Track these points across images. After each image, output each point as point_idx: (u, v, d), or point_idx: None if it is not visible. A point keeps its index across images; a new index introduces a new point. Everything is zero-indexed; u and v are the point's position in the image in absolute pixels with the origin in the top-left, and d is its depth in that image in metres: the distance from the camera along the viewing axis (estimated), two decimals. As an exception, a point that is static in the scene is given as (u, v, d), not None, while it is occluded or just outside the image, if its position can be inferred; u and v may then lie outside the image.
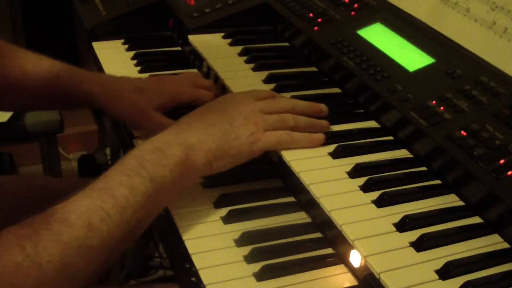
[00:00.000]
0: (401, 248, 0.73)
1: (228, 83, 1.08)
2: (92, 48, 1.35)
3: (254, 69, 1.14)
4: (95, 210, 0.69)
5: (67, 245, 0.65)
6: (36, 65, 1.07)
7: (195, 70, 1.27)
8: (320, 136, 0.90)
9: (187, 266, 0.77)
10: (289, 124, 0.88)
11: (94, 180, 0.73)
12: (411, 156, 0.90)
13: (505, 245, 0.75)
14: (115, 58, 1.30)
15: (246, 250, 0.79)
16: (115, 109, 1.04)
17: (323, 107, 0.95)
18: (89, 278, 0.69)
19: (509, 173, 0.77)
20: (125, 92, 1.03)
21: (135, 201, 0.72)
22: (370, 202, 0.80)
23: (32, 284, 0.61)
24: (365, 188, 0.82)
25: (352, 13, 1.18)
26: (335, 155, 0.88)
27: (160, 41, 1.40)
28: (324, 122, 0.93)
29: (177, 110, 1.05)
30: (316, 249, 0.81)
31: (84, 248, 0.67)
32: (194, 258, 0.77)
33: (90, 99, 1.05)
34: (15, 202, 1.12)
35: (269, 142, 0.86)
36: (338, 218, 0.77)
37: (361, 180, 0.83)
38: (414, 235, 0.74)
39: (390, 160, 0.89)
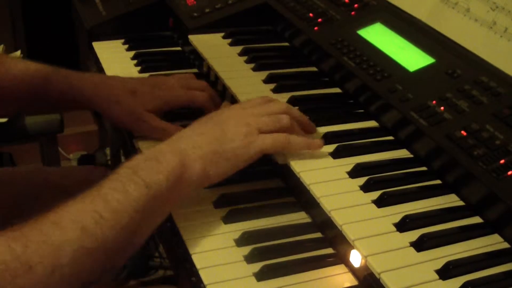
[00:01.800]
0: (401, 248, 0.73)
1: (228, 83, 1.08)
2: (92, 48, 1.35)
3: (254, 69, 1.14)
4: (88, 213, 0.68)
5: (58, 248, 0.64)
6: (24, 71, 1.05)
7: (195, 70, 1.27)
8: (319, 142, 0.89)
9: (187, 266, 0.77)
10: (283, 123, 0.86)
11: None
12: (411, 156, 0.90)
13: (505, 245, 0.75)
14: (115, 58, 1.30)
15: (246, 250, 0.79)
16: (108, 111, 1.03)
17: (313, 125, 0.94)
18: (84, 282, 0.68)
19: (509, 173, 0.77)
20: (118, 94, 1.02)
21: (129, 205, 0.71)
22: (370, 202, 0.80)
23: (23, 285, 0.60)
24: (365, 188, 0.82)
25: (352, 13, 1.18)
26: (335, 155, 0.88)
27: (160, 41, 1.40)
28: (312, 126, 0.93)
29: (172, 112, 1.05)
30: (316, 249, 0.81)
31: (78, 251, 0.65)
32: (194, 258, 0.77)
33: (82, 102, 1.04)
34: (15, 194, 1.12)
35: (264, 144, 0.83)
36: (338, 218, 0.77)
37: (361, 180, 0.83)
38: (414, 235, 0.74)
39: (390, 160, 0.89)
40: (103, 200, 0.70)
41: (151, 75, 1.19)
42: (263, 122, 0.85)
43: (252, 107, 0.88)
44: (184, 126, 1.01)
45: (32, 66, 1.06)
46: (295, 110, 0.92)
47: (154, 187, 0.73)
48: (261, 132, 0.84)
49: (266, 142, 0.84)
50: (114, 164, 2.06)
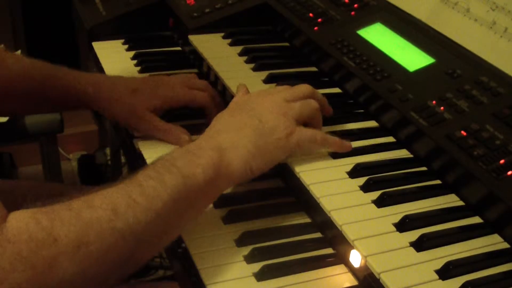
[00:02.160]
0: (401, 248, 0.73)
1: (228, 83, 1.08)
2: (92, 48, 1.35)
3: (254, 69, 1.14)
4: (121, 196, 0.67)
5: (87, 224, 0.63)
6: (24, 68, 1.05)
7: (195, 70, 1.27)
8: (349, 144, 0.89)
9: (187, 266, 0.77)
10: (313, 106, 0.87)
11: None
12: (411, 156, 0.90)
13: (505, 245, 0.75)
14: (115, 58, 1.30)
15: (246, 250, 0.79)
16: (109, 110, 1.03)
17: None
18: (112, 267, 0.66)
19: (509, 173, 0.77)
20: (119, 93, 1.02)
21: (165, 193, 0.70)
22: (370, 202, 0.80)
23: (46, 256, 0.60)
24: (365, 188, 0.82)
25: (352, 13, 1.18)
26: (335, 154, 0.88)
27: (160, 41, 1.40)
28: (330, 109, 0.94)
29: (173, 112, 1.05)
30: (316, 249, 0.81)
31: (107, 230, 0.64)
32: (194, 258, 0.77)
33: (83, 101, 1.04)
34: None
35: (303, 136, 0.83)
36: (338, 218, 0.77)
37: (361, 180, 0.83)
38: (414, 235, 0.74)
39: (390, 160, 0.89)
40: (137, 185, 0.69)
41: (151, 75, 1.19)
42: (297, 109, 0.84)
43: (280, 92, 0.88)
44: (185, 126, 1.02)
45: (32, 65, 1.06)
46: (317, 92, 0.92)
47: (191, 178, 0.73)
48: (298, 122, 0.84)
49: (306, 134, 0.84)
50: (114, 164, 2.06)
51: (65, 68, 1.07)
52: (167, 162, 0.74)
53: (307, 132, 0.84)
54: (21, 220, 0.60)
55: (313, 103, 0.88)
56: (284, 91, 0.88)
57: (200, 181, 0.73)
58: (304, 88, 0.90)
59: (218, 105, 1.07)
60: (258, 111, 0.83)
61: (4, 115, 1.65)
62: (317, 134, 0.85)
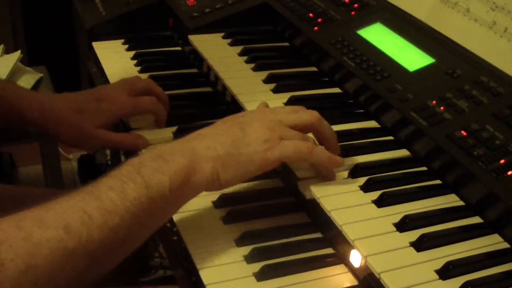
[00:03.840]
0: (401, 248, 0.73)
1: (228, 83, 1.08)
2: (92, 48, 1.35)
3: (254, 69, 1.14)
4: (75, 211, 0.64)
5: (36, 246, 0.60)
6: None
7: (195, 70, 1.27)
8: (340, 160, 0.82)
9: (187, 266, 0.77)
10: (309, 141, 0.80)
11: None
12: (411, 156, 0.90)
13: (505, 245, 0.75)
14: (115, 58, 1.30)
15: (246, 250, 0.79)
16: (59, 134, 1.01)
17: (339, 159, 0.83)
18: (64, 286, 0.63)
19: (509, 173, 0.77)
20: (65, 115, 0.99)
21: (124, 206, 0.66)
22: (370, 202, 0.80)
23: None
24: (365, 188, 0.82)
25: (352, 13, 1.18)
26: (335, 155, 0.88)
27: (160, 41, 1.40)
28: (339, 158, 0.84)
29: (174, 113, 1.05)
30: (316, 249, 0.81)
31: (57, 251, 0.61)
32: (194, 258, 0.77)
33: (31, 124, 1.01)
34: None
35: (285, 151, 0.77)
36: (338, 218, 0.77)
37: (361, 180, 0.83)
38: (414, 235, 0.74)
39: (390, 160, 0.89)
40: (95, 198, 0.66)
41: (151, 75, 1.19)
42: (288, 133, 0.79)
43: (282, 114, 0.82)
44: (186, 127, 1.02)
45: None
46: (325, 122, 0.84)
47: (155, 188, 0.69)
48: (283, 139, 0.78)
49: (287, 149, 0.77)
50: (114, 164, 2.06)
51: (14, 88, 1.04)
52: (133, 168, 0.70)
53: (289, 146, 0.78)
54: None
55: (310, 140, 0.81)
56: (288, 114, 0.82)
57: (165, 190, 0.70)
58: (311, 114, 0.83)
59: (165, 103, 1.06)
60: (247, 122, 0.79)
61: None
62: (301, 147, 0.78)
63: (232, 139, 0.77)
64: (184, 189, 0.73)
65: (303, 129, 0.82)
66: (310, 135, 0.84)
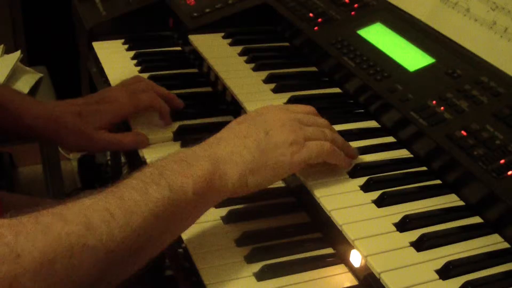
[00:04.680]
0: (402, 248, 0.73)
1: (228, 83, 1.08)
2: (92, 48, 1.35)
3: (254, 69, 1.14)
4: (97, 209, 0.63)
5: (55, 240, 0.58)
6: None
7: (195, 70, 1.27)
8: (351, 161, 0.85)
9: (187, 266, 0.77)
10: (327, 136, 0.81)
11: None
12: (411, 156, 0.90)
13: (505, 245, 0.75)
14: (115, 58, 1.30)
15: (246, 250, 0.79)
16: (60, 140, 1.01)
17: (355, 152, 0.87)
18: (78, 285, 0.61)
19: (509, 173, 0.77)
20: (65, 122, 0.99)
21: (146, 207, 0.65)
22: (371, 202, 0.80)
23: (6, 273, 0.55)
24: (366, 188, 0.82)
25: (352, 13, 1.18)
26: (335, 155, 0.88)
27: (160, 41, 1.40)
28: (355, 150, 0.87)
29: (175, 111, 1.05)
30: (316, 249, 0.81)
31: (76, 246, 0.59)
32: (194, 258, 0.77)
33: (34, 134, 1.01)
34: None
35: (311, 152, 0.77)
36: (339, 218, 0.77)
37: (361, 180, 0.83)
38: (414, 235, 0.74)
39: (390, 160, 0.89)
40: (118, 198, 0.64)
41: (151, 75, 1.19)
42: (309, 132, 0.79)
43: (299, 113, 0.83)
44: (186, 125, 1.02)
45: None
46: (335, 130, 0.86)
47: (178, 191, 0.68)
48: (307, 140, 0.79)
49: (312, 150, 0.78)
50: (114, 164, 2.06)
51: (19, 98, 1.03)
52: (156, 170, 0.69)
53: (315, 147, 0.78)
54: None
55: (328, 134, 0.82)
56: (301, 114, 0.83)
57: (189, 194, 0.69)
58: (323, 120, 0.85)
59: (171, 100, 1.06)
60: (268, 124, 0.78)
61: None
62: (325, 145, 0.80)
63: (256, 143, 0.76)
64: (207, 194, 0.71)
65: None
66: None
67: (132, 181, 0.68)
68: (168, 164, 0.71)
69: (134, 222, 0.64)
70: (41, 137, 1.02)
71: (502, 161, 0.79)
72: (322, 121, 0.85)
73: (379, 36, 1.09)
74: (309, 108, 0.86)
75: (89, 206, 0.63)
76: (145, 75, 1.21)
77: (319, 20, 1.19)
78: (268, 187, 0.91)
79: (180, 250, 0.80)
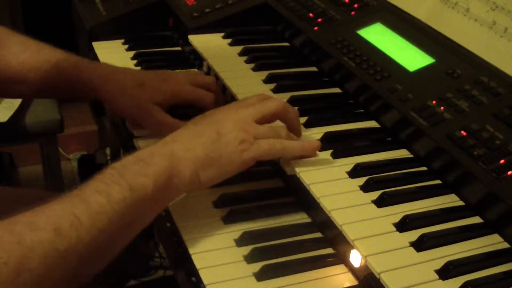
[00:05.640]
0: (401, 248, 0.73)
1: (228, 83, 1.08)
2: (92, 48, 1.35)
3: (254, 69, 1.14)
4: (64, 214, 0.66)
5: (29, 249, 0.62)
6: (35, 55, 1.06)
7: (195, 70, 1.27)
8: (315, 143, 0.86)
9: (187, 266, 0.77)
10: (281, 135, 0.84)
11: None
12: (411, 156, 0.90)
13: (505, 245, 0.75)
14: (115, 58, 1.30)
15: (246, 250, 0.79)
16: (115, 103, 1.02)
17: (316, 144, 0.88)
18: (57, 286, 0.65)
19: (509, 173, 0.77)
20: (125, 86, 1.01)
21: (111, 208, 0.69)
22: (370, 202, 0.80)
23: None
24: (365, 188, 0.82)
25: (352, 13, 1.18)
26: (335, 155, 0.88)
27: (160, 41, 1.40)
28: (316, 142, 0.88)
29: (177, 110, 1.05)
30: (316, 249, 0.81)
31: (49, 253, 0.63)
32: (194, 258, 0.77)
33: (90, 92, 1.03)
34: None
35: (260, 150, 0.81)
36: (338, 218, 0.77)
37: (361, 180, 0.83)
38: (414, 235, 0.74)
39: (390, 160, 0.89)
40: (83, 201, 0.68)
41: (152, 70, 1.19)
42: (261, 131, 0.82)
43: (249, 107, 0.85)
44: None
45: (45, 51, 1.06)
46: (291, 108, 0.88)
47: (139, 190, 0.71)
48: (257, 138, 0.81)
49: (261, 148, 0.81)
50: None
51: (74, 57, 1.06)
52: (116, 172, 0.72)
53: (264, 145, 0.81)
54: None
55: (282, 132, 0.85)
56: (254, 108, 0.85)
57: (148, 192, 0.72)
58: (276, 103, 0.87)
59: (220, 104, 1.06)
60: (220, 124, 0.81)
61: (19, 98, 1.66)
62: (275, 145, 0.82)
63: (209, 141, 0.79)
64: (166, 190, 0.75)
65: (271, 119, 0.86)
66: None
67: (95, 183, 0.71)
68: (127, 164, 0.74)
69: (100, 223, 0.68)
70: (96, 96, 1.03)
71: (502, 161, 0.79)
72: (275, 106, 0.86)
73: (379, 36, 1.09)
74: (257, 98, 0.88)
75: (57, 212, 0.66)
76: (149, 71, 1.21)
77: (319, 20, 1.19)
78: (268, 186, 0.92)
79: (180, 250, 0.80)
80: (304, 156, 0.86)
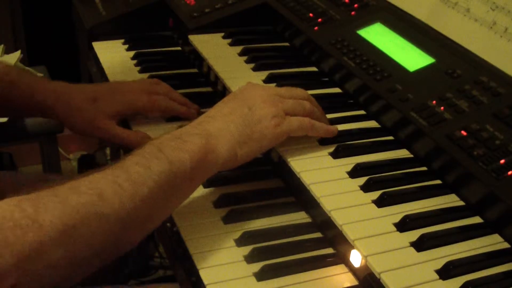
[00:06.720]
0: (402, 248, 0.73)
1: (228, 83, 1.08)
2: (92, 48, 1.35)
3: (254, 69, 1.14)
4: (107, 181, 0.68)
5: (73, 209, 0.64)
6: None
7: (195, 70, 1.27)
8: (335, 129, 0.91)
9: (187, 266, 0.77)
10: (306, 109, 0.88)
11: None
12: (411, 156, 0.90)
13: (505, 245, 0.75)
14: (115, 58, 1.30)
15: (246, 250, 0.79)
16: (69, 120, 1.02)
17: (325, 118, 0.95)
18: (93, 254, 0.67)
19: (509, 173, 0.77)
20: (78, 103, 1.01)
21: (150, 179, 0.71)
22: (371, 202, 0.80)
23: (31, 241, 0.60)
24: (366, 188, 0.82)
25: (352, 13, 1.18)
26: (335, 155, 0.88)
27: (160, 41, 1.40)
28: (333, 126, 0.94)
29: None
30: (316, 249, 0.81)
31: (92, 215, 0.65)
32: (194, 258, 0.77)
33: (43, 110, 1.03)
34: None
35: (291, 126, 0.85)
36: (339, 218, 0.77)
37: (361, 180, 0.83)
38: (414, 235, 0.74)
39: (390, 160, 0.89)
40: (124, 171, 0.70)
41: (151, 75, 1.19)
42: (289, 105, 0.86)
43: (277, 88, 0.90)
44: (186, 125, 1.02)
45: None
46: (314, 100, 0.93)
47: (177, 164, 0.74)
48: (287, 114, 0.85)
49: (293, 124, 0.85)
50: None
51: (28, 76, 1.06)
52: (154, 147, 0.75)
53: (295, 122, 0.86)
54: (6, 209, 0.61)
55: (307, 105, 0.89)
56: (280, 88, 0.90)
57: (186, 167, 0.75)
58: (302, 91, 0.92)
59: (190, 105, 1.08)
60: (250, 100, 0.84)
61: None
62: (304, 122, 0.87)
63: (242, 118, 0.82)
64: (203, 167, 0.77)
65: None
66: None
67: (134, 158, 0.73)
68: (164, 141, 0.76)
69: (141, 192, 0.70)
70: (50, 115, 1.04)
71: (502, 161, 0.79)
72: (300, 93, 0.92)
73: (379, 36, 1.09)
74: (284, 87, 0.92)
75: (100, 180, 0.69)
76: (145, 75, 1.21)
77: (319, 20, 1.19)
78: (268, 186, 0.92)
79: (180, 250, 0.80)
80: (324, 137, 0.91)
